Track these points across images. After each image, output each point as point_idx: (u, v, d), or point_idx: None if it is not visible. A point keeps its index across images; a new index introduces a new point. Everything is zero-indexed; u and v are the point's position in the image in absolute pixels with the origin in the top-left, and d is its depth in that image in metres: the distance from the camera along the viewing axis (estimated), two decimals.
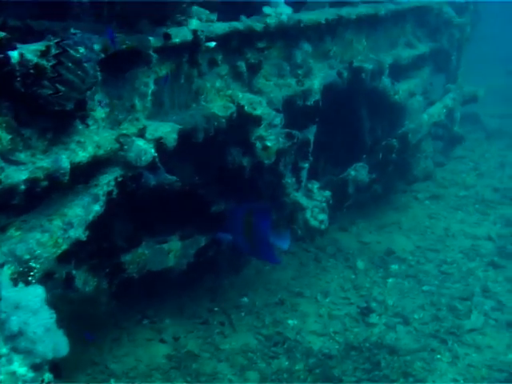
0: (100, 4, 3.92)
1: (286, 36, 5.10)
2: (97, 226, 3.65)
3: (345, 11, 5.76)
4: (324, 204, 5.44)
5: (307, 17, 5.19)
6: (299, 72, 5.20)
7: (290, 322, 5.57)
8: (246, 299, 5.81)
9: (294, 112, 5.23)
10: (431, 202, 8.40)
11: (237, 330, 5.40)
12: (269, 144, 4.64)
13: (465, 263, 6.73)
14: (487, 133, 11.63)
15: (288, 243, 4.96)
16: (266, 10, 4.73)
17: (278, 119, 4.71)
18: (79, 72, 3.03)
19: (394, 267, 6.60)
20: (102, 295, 4.24)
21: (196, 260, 4.98)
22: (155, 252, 4.61)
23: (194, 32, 3.98)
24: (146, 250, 4.53)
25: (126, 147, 3.56)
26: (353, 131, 7.01)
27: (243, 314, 5.62)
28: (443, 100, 7.88)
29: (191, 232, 5.00)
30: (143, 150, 3.62)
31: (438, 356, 5.20)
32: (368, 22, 6.37)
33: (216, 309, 5.66)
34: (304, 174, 5.41)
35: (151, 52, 3.64)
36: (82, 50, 3.06)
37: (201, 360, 5.02)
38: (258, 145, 4.63)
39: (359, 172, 5.95)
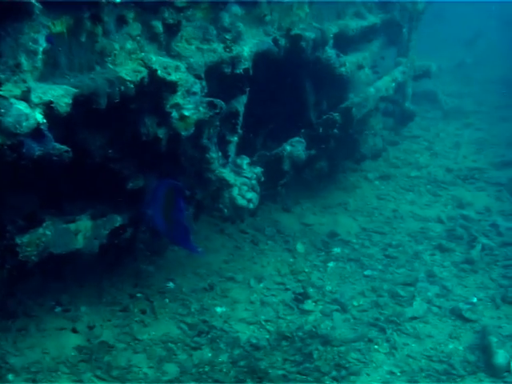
0: None
1: None
2: None
3: None
4: (254, 181, 4.98)
5: None
6: (227, 37, 4.72)
7: (218, 309, 5.15)
8: (171, 284, 5.37)
9: (222, 80, 4.76)
10: (381, 182, 8.03)
11: (159, 318, 4.97)
12: (186, 113, 4.16)
13: (411, 247, 6.37)
14: (444, 112, 11.28)
15: None
16: None
17: (198, 86, 4.23)
18: None
19: (337, 250, 6.22)
20: None
21: (110, 241, 4.51)
22: (60, 233, 4.12)
23: None
24: (48, 231, 4.04)
25: (2, 111, 3.07)
26: (296, 105, 6.57)
27: (167, 300, 5.18)
28: (392, 73, 7.46)
29: (105, 210, 4.53)
30: (24, 114, 3.13)
31: (375, 346, 4.83)
32: None
33: (139, 295, 5.21)
34: (232, 149, 4.95)
35: (33, 1, 3.14)
36: None
37: (115, 351, 4.58)
38: (175, 114, 4.15)
39: (295, 147, 5.50)
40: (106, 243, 4.48)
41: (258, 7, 5.23)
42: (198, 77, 4.31)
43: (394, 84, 7.28)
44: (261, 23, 5.30)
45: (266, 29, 5.35)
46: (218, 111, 4.36)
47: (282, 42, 5.38)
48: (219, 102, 4.38)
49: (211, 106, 4.33)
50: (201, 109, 4.27)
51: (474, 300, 5.37)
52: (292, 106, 6.55)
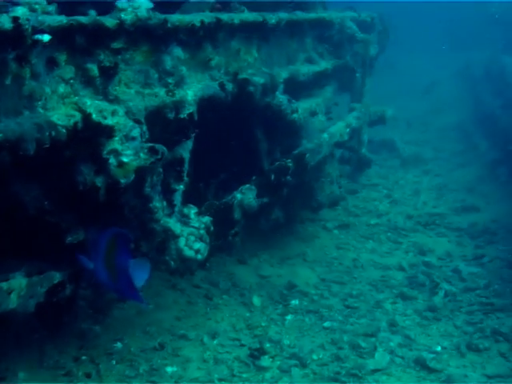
0: None
1: (153, 38, 4.41)
2: None
3: (226, 15, 5.14)
4: (202, 231, 4.72)
5: (176, 17, 4.53)
6: (169, 80, 4.51)
7: (169, 369, 4.82)
8: (119, 344, 5.03)
9: (165, 126, 4.54)
10: (340, 231, 7.81)
11: (104, 382, 4.62)
12: (125, 159, 3.91)
13: (372, 296, 6.12)
14: (403, 160, 11.21)
15: (146, 275, 4.17)
16: (121, 4, 4.03)
17: (137, 131, 3.98)
18: None
19: (295, 302, 5.94)
20: None
21: (48, 300, 4.19)
22: None
23: (15, 19, 3.26)
24: None
25: None
26: (248, 153, 6.36)
27: (114, 361, 4.84)
28: (346, 119, 7.33)
29: (43, 267, 4.22)
30: None
31: None
32: (259, 31, 5.76)
33: (83, 357, 4.86)
34: (178, 197, 4.70)
35: None
36: None
37: None
38: (112, 160, 3.89)
39: (246, 195, 5.27)
40: (44, 302, 4.16)
41: (203, 51, 5.06)
42: (137, 121, 4.07)
43: (348, 129, 7.14)
44: (206, 68, 5.12)
45: (212, 73, 5.16)
46: (159, 157, 4.10)
47: (230, 86, 5.20)
48: (161, 147, 4.13)
49: (152, 151, 4.08)
50: (141, 155, 4.02)
51: (438, 349, 5.12)
52: (244, 154, 6.33)
